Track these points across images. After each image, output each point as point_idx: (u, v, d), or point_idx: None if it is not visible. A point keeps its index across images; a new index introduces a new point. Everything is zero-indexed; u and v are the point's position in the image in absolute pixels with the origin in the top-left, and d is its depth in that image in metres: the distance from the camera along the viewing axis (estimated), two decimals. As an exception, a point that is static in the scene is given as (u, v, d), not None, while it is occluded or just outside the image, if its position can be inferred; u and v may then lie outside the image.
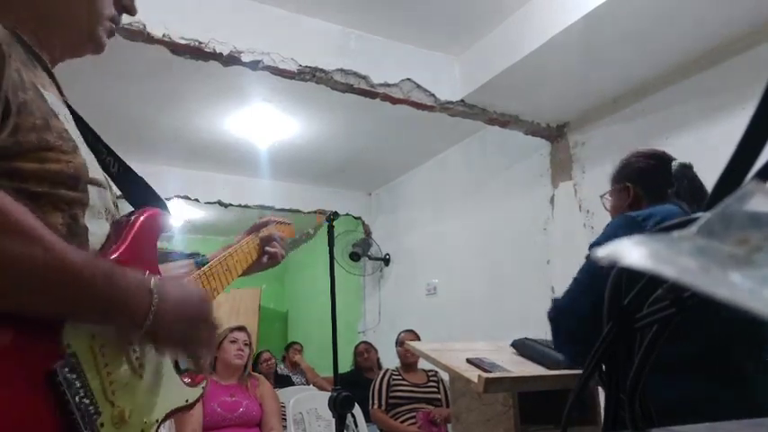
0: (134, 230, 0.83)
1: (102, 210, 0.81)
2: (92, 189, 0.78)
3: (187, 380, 0.94)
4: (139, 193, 0.99)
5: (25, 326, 0.61)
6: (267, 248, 1.28)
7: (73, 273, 0.64)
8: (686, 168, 1.48)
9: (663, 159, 1.56)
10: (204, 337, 0.83)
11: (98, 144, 0.94)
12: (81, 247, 0.73)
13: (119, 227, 0.84)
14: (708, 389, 1.17)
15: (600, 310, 1.30)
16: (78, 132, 0.83)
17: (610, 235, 1.41)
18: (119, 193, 0.97)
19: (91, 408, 0.66)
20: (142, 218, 0.86)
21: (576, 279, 1.43)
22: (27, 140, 0.69)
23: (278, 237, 1.31)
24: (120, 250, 0.79)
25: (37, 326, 0.63)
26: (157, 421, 0.82)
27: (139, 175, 1.00)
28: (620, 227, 1.40)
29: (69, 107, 0.88)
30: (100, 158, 0.91)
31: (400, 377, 3.94)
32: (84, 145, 0.83)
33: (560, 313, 1.43)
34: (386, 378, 3.92)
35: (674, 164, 1.50)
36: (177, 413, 0.91)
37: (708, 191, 1.26)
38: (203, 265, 1.12)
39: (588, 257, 1.42)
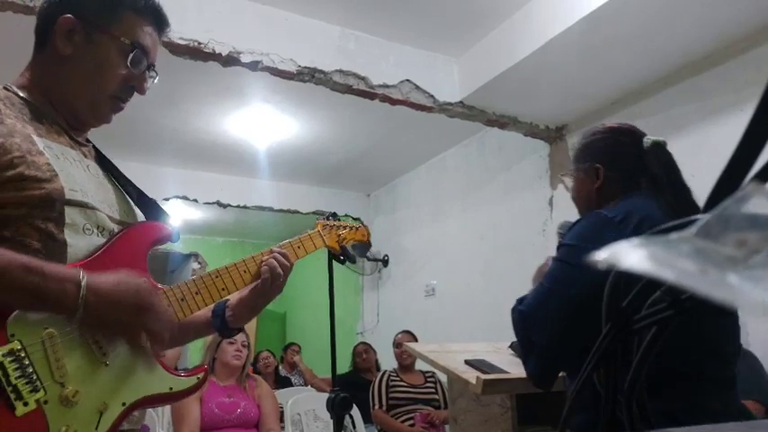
0: (111, 243, 0.99)
1: (91, 227, 0.97)
2: (71, 209, 0.93)
3: (182, 371, 1.03)
4: (152, 211, 1.15)
5: None
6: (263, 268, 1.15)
7: None
8: (659, 148, 1.31)
9: (635, 135, 1.36)
10: (144, 322, 0.92)
11: (121, 179, 1.14)
12: (56, 259, 0.90)
13: (106, 241, 0.99)
14: (680, 400, 1.15)
15: (570, 319, 1.24)
16: (89, 170, 1.04)
17: (583, 236, 1.24)
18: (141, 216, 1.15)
19: (28, 386, 0.80)
20: (123, 232, 1.02)
21: (542, 284, 1.26)
22: (4, 175, 0.87)
23: (278, 256, 1.16)
24: (92, 258, 0.95)
25: None
26: (124, 404, 0.92)
27: (150, 197, 1.16)
28: (595, 227, 1.24)
29: (99, 152, 1.13)
30: (124, 189, 1.13)
31: (398, 378, 3.94)
32: (98, 179, 1.05)
33: (525, 321, 1.27)
34: (384, 379, 3.92)
35: (646, 141, 1.32)
36: (164, 400, 0.99)
37: (682, 175, 1.22)
38: None
39: (555, 259, 1.27)
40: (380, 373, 4.07)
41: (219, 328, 1.18)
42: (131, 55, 1.05)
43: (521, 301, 1.31)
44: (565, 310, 1.18)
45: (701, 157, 3.04)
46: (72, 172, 0.97)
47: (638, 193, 1.29)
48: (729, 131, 2.78)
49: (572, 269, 1.20)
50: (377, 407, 3.83)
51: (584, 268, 1.17)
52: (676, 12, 2.57)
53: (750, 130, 0.30)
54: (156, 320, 0.93)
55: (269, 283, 1.15)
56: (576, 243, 1.23)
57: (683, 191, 1.27)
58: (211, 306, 1.15)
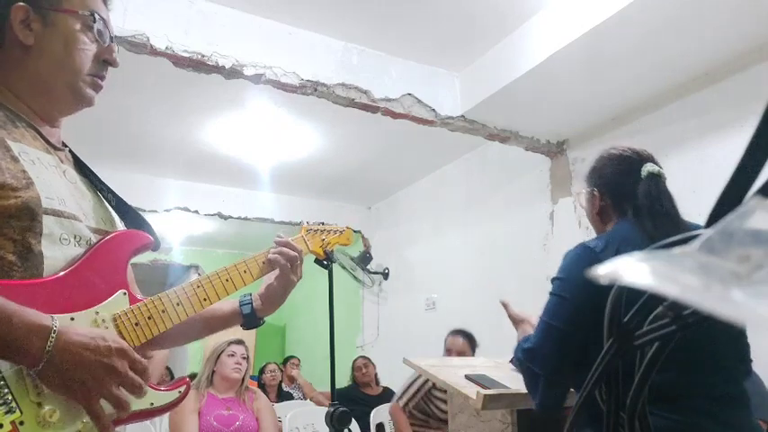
0: (89, 254, 0.95)
1: (68, 237, 0.92)
2: (48, 219, 0.88)
3: (161, 384, 1.00)
4: (131, 219, 1.11)
5: None
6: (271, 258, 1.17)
7: None
8: (651, 178, 1.35)
9: (633, 165, 1.40)
10: (108, 385, 0.83)
11: (100, 184, 1.09)
12: (33, 271, 0.86)
13: (84, 252, 0.95)
14: (689, 417, 1.15)
15: (573, 348, 1.28)
16: (66, 176, 0.99)
17: (569, 268, 1.33)
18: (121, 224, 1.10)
19: (3, 407, 0.77)
20: (101, 242, 0.98)
21: (542, 320, 1.32)
22: None
23: (283, 249, 1.17)
24: (69, 270, 0.91)
25: None
26: None
27: (129, 204, 1.12)
28: (580, 258, 1.32)
29: (76, 157, 1.07)
30: (103, 195, 1.09)
31: (441, 393, 3.30)
32: (75, 185, 1.00)
33: (530, 357, 1.31)
34: (428, 385, 3.37)
35: (643, 170, 1.36)
36: (144, 416, 0.96)
37: (674, 203, 1.25)
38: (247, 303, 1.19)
39: (550, 293, 1.34)
40: (424, 378, 3.36)
41: (248, 316, 1.18)
42: (95, 26, 0.99)
43: (526, 340, 1.38)
44: (563, 340, 1.26)
45: (701, 173, 3.06)
46: (48, 179, 0.92)
47: (626, 219, 1.37)
48: (731, 147, 2.78)
49: (564, 301, 1.29)
50: (401, 403, 3.40)
51: (574, 299, 1.26)
52: (676, 28, 2.59)
53: (752, 145, 0.30)
54: (125, 383, 0.85)
55: (287, 270, 1.17)
56: (565, 276, 1.33)
57: (664, 220, 1.29)
58: (236, 297, 1.17)
